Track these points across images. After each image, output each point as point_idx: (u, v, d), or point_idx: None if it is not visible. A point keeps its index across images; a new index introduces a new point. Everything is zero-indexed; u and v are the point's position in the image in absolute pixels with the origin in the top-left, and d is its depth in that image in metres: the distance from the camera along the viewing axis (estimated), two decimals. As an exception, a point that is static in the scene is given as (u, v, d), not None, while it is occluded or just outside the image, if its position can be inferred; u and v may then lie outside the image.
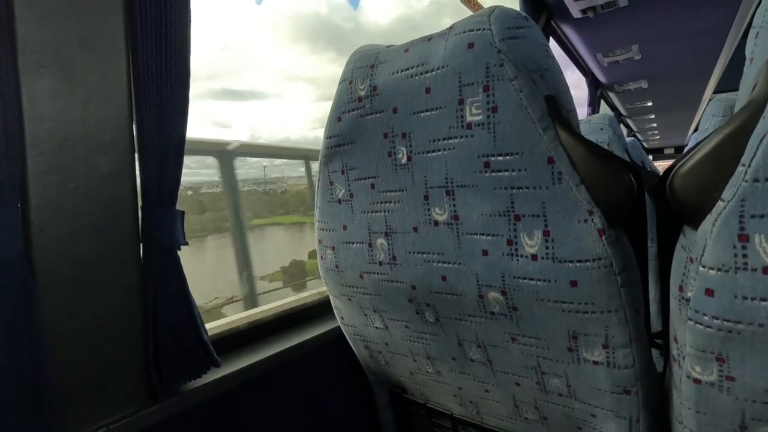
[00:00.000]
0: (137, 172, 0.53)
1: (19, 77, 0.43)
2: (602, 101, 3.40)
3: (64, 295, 0.47)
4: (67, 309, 0.48)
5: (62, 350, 0.47)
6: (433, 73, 0.47)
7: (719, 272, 0.33)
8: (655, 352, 0.53)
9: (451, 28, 0.48)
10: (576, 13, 1.78)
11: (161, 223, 0.54)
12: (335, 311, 0.71)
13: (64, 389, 0.48)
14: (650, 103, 3.77)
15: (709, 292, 0.34)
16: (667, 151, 6.77)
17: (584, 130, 1.22)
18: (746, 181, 0.31)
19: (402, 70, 0.50)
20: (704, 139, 0.36)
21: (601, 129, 1.19)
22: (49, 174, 0.46)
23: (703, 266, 0.34)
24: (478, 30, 0.44)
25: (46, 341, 0.45)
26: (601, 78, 2.88)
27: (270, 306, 0.82)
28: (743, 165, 0.31)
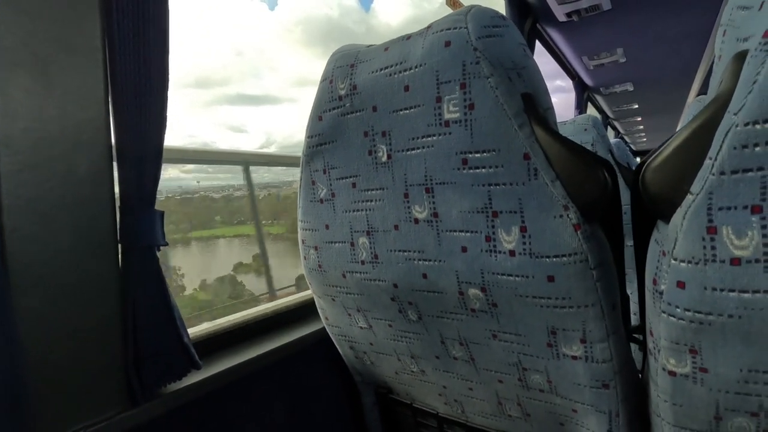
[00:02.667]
0: (115, 173, 0.53)
1: None
2: (590, 104, 3.44)
3: (40, 297, 0.46)
4: (43, 311, 0.47)
5: (39, 353, 0.46)
6: (412, 71, 0.47)
7: (689, 264, 0.34)
8: (635, 347, 0.53)
9: (429, 26, 0.48)
10: (561, 17, 1.81)
11: (140, 224, 0.54)
12: (320, 312, 0.71)
13: (41, 392, 0.47)
14: (636, 106, 3.83)
15: (681, 285, 0.35)
16: None
17: (569, 131, 1.24)
18: (713, 174, 0.32)
19: (381, 69, 0.50)
20: (674, 134, 0.36)
21: (585, 130, 1.20)
22: (23, 173, 0.45)
23: (675, 259, 0.35)
24: (455, 28, 0.44)
25: (22, 344, 0.45)
26: (588, 81, 2.92)
27: (255, 309, 0.81)
28: (710, 158, 0.32)
